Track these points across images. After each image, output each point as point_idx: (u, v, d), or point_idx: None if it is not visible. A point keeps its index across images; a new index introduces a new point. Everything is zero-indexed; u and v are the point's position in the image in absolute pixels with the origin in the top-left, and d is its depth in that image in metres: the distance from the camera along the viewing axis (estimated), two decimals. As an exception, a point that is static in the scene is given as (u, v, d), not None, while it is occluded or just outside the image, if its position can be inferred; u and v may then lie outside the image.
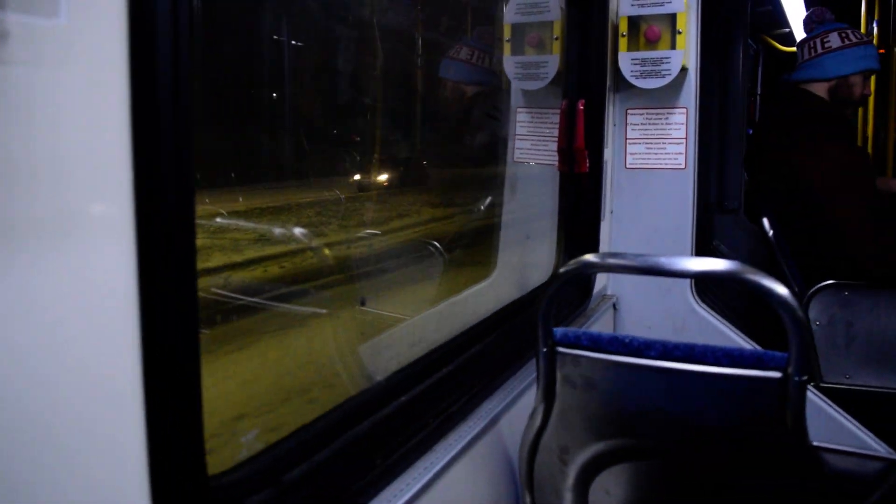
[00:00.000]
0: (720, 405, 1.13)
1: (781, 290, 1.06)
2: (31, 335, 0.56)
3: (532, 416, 1.29)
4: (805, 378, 1.08)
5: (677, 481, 1.23)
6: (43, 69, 0.56)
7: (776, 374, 1.09)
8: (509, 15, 2.13)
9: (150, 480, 0.66)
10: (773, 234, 2.75)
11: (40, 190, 0.56)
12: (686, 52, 2.05)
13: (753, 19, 3.44)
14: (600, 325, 2.11)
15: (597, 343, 1.18)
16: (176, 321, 0.68)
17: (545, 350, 1.21)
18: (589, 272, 1.21)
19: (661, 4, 2.04)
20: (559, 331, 1.21)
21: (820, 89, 2.74)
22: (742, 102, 3.62)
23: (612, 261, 1.14)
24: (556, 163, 2.09)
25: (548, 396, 1.26)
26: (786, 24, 4.34)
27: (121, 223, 0.62)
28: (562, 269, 1.18)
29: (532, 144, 2.26)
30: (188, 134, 0.67)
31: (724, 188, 3.62)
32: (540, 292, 1.20)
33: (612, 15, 2.10)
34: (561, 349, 1.21)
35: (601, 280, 2.21)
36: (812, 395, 2.14)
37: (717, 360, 1.11)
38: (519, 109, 2.27)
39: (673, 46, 2.04)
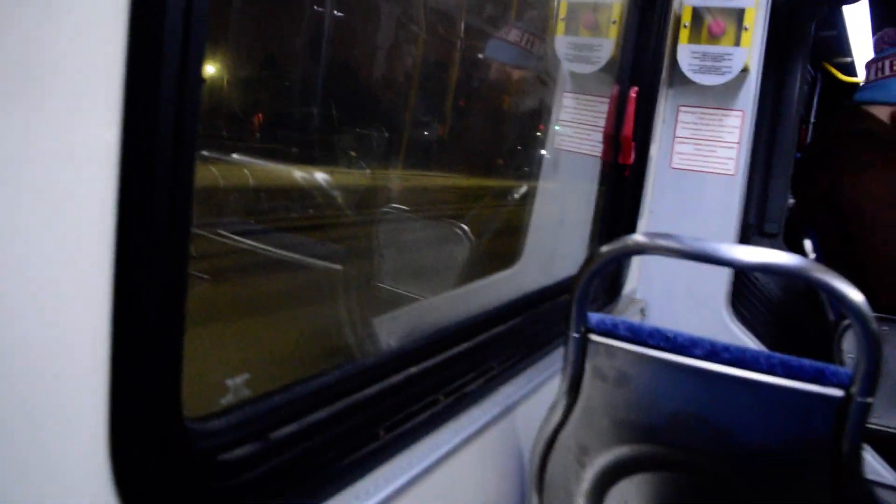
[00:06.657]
0: (768, 420, 1.00)
1: (856, 296, 0.93)
2: None
3: (552, 408, 1.17)
4: (870, 400, 0.95)
5: (706, 501, 1.10)
6: None
7: (837, 393, 0.96)
8: (567, -8, 2.01)
9: (110, 420, 0.54)
10: (815, 258, 2.59)
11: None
12: (750, 52, 1.91)
13: (815, 43, 3.30)
14: (625, 329, 1.98)
15: (636, 334, 1.05)
16: (157, 241, 0.56)
17: (577, 336, 1.09)
18: (635, 253, 1.08)
19: (730, -3, 1.91)
20: (594, 316, 1.09)
21: (882, 112, 2.58)
22: (793, 127, 3.46)
23: (662, 242, 1.01)
24: (599, 153, 1.97)
25: (573, 389, 1.13)
26: (849, 53, 4.15)
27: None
28: (604, 248, 1.05)
29: (574, 132, 2.13)
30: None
31: (765, 211, 3.45)
32: (579, 272, 1.07)
33: (675, 4, 1.97)
34: (594, 337, 1.08)
35: (630, 282, 2.07)
36: None
37: (772, 368, 0.98)
38: (565, 94, 2.15)
39: (737, 43, 1.90)
